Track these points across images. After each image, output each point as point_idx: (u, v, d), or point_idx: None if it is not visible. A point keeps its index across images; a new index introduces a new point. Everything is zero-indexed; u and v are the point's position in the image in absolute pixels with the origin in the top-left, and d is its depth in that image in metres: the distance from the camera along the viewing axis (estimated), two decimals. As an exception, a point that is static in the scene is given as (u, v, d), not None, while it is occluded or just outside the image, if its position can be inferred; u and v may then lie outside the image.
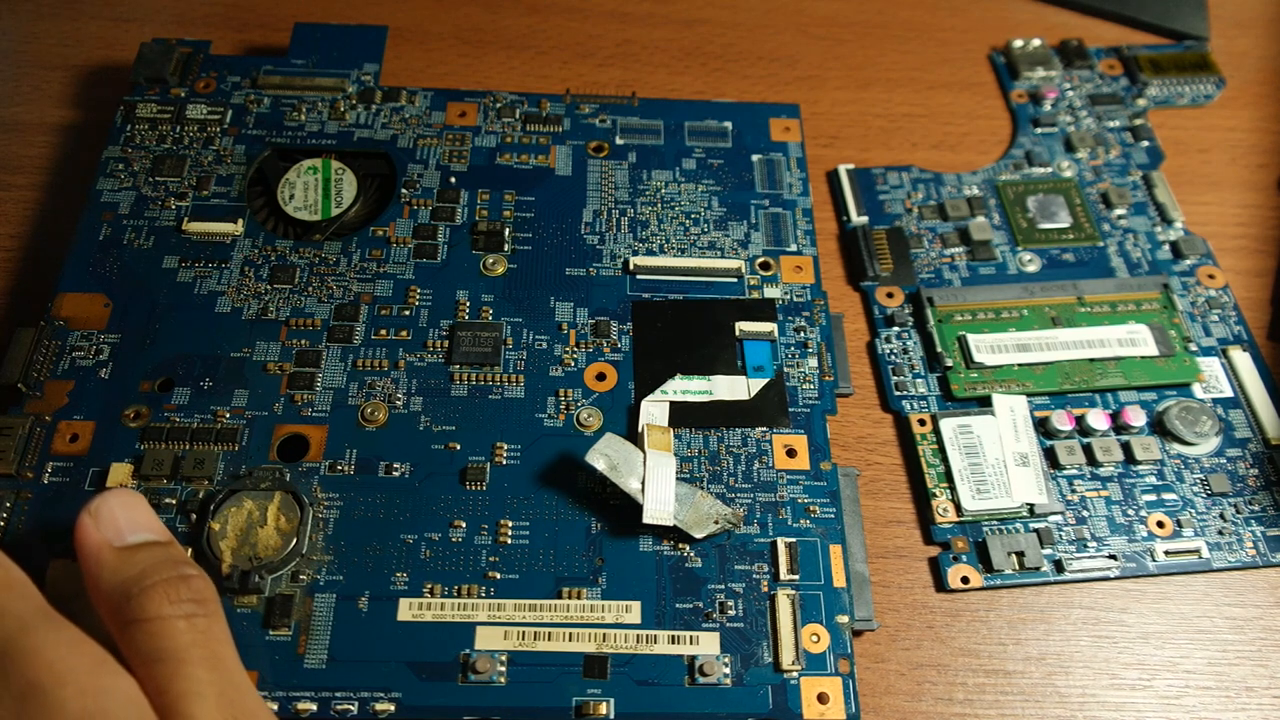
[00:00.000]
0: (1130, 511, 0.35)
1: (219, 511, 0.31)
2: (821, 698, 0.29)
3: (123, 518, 0.26)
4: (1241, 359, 0.38)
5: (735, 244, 0.39)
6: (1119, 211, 0.42)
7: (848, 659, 0.30)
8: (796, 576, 0.31)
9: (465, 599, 0.30)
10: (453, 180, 0.39)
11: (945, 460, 0.35)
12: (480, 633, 0.30)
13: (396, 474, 0.33)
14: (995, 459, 0.35)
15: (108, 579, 0.25)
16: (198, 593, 0.25)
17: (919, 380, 0.37)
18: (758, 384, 0.35)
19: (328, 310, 0.36)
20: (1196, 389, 0.37)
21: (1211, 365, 0.38)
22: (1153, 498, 0.35)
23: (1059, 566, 0.33)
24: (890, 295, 0.39)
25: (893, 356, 0.38)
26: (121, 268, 0.36)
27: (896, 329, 0.39)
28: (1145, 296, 0.39)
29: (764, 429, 0.34)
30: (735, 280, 0.38)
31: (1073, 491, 0.35)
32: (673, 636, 0.30)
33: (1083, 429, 0.36)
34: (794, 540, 0.32)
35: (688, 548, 0.32)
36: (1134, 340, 0.38)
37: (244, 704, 0.24)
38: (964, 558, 0.34)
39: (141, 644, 0.23)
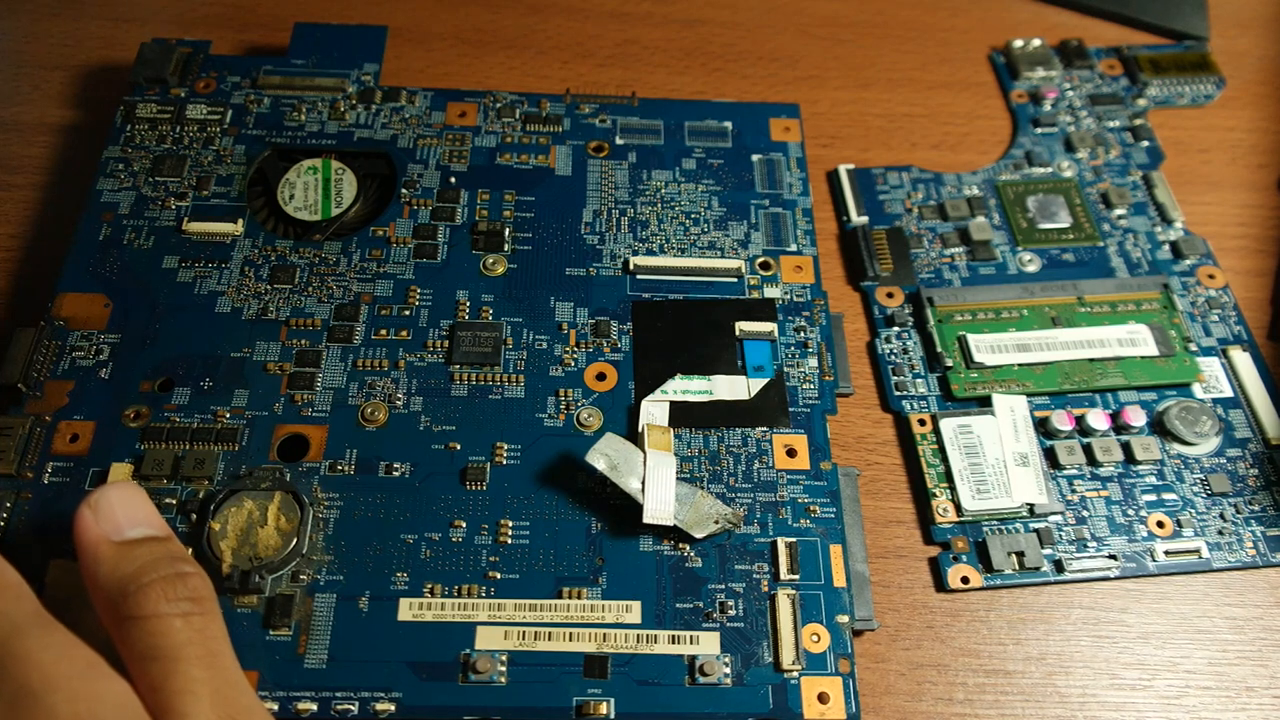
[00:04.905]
0: (1130, 511, 0.35)
1: (219, 511, 0.31)
2: (822, 697, 0.29)
3: (122, 512, 0.26)
4: (1241, 359, 0.38)
5: (735, 244, 0.39)
6: (1119, 211, 0.42)
7: (848, 659, 0.30)
8: (797, 576, 0.31)
9: (465, 599, 0.30)
10: (453, 180, 0.39)
11: (945, 460, 0.35)
12: (480, 633, 0.30)
13: (396, 474, 0.33)
14: (995, 459, 0.35)
15: (105, 574, 0.25)
16: (195, 591, 0.25)
17: (919, 380, 0.37)
18: (758, 384, 0.35)
19: (328, 310, 0.36)
20: (1196, 389, 0.37)
21: (1211, 365, 0.38)
22: (1153, 498, 0.35)
23: (1059, 566, 0.33)
24: (890, 295, 0.39)
25: (893, 356, 0.38)
26: (121, 268, 0.36)
27: (896, 329, 0.39)
28: (1145, 296, 0.39)
29: (764, 429, 0.34)
30: (735, 280, 0.38)
31: (1073, 491, 0.35)
32: (673, 636, 0.30)
33: (1083, 429, 0.36)
34: (794, 540, 0.32)
35: (688, 548, 0.32)
36: (1134, 340, 0.38)
37: (239, 702, 0.24)
38: (964, 558, 0.34)
39: (137, 641, 0.23)
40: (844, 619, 0.31)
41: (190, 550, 0.30)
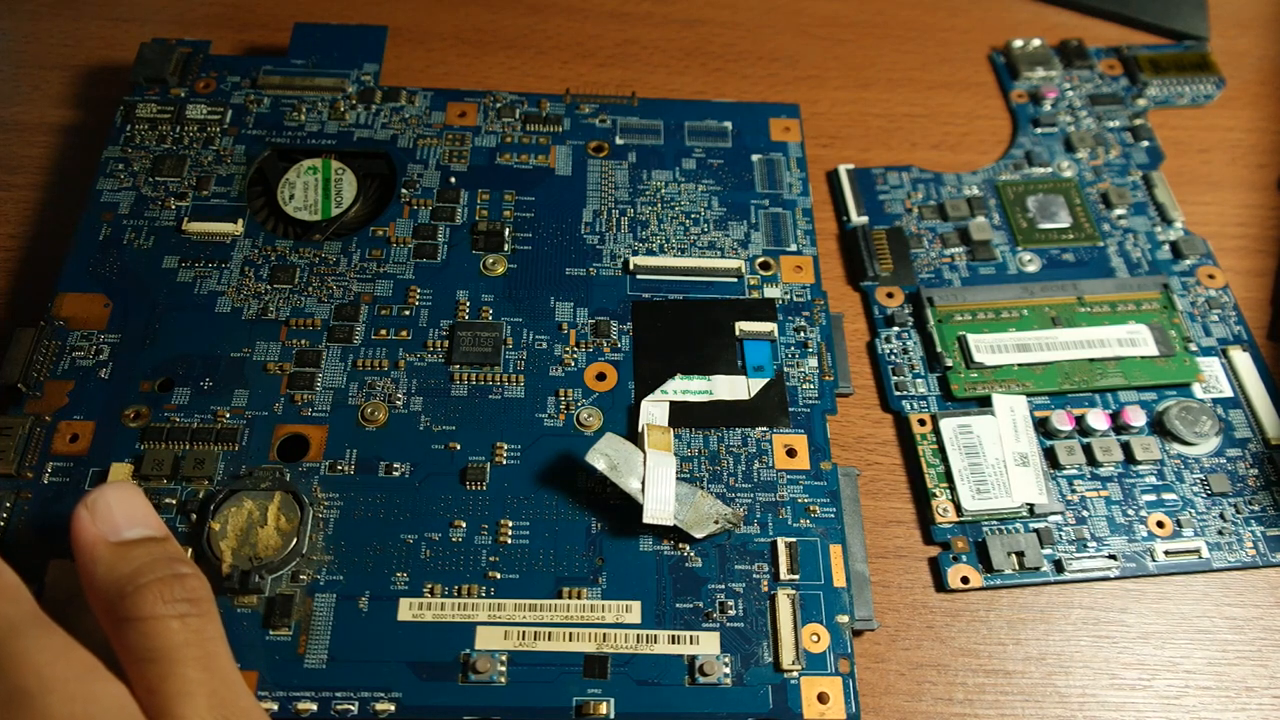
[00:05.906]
0: (1130, 511, 0.35)
1: (219, 511, 0.31)
2: (821, 697, 0.29)
3: (119, 512, 0.26)
4: (1241, 359, 0.38)
5: (735, 244, 0.39)
6: (1119, 211, 0.42)
7: (848, 659, 0.30)
8: (796, 576, 0.31)
9: (465, 599, 0.30)
10: (453, 180, 0.39)
11: (945, 460, 0.35)
12: (480, 632, 0.30)
13: (396, 474, 0.33)
14: (995, 459, 0.35)
15: (102, 575, 0.24)
16: (192, 592, 0.25)
17: (919, 380, 0.37)
18: (758, 384, 0.35)
19: (328, 310, 0.36)
20: (1196, 389, 0.37)
21: (1211, 365, 0.38)
22: (1153, 498, 0.35)
23: (1059, 566, 0.33)
24: (890, 295, 0.39)
25: (893, 356, 0.38)
26: (121, 268, 0.36)
27: (896, 329, 0.39)
28: (1145, 296, 0.39)
29: (764, 429, 0.34)
30: (735, 280, 0.38)
31: (1073, 491, 0.35)
32: (673, 636, 0.30)
33: (1083, 429, 0.36)
34: (794, 540, 0.32)
35: (688, 548, 0.32)
36: (1134, 340, 0.38)
37: (236, 704, 0.24)
38: (964, 558, 0.34)
39: (134, 643, 0.23)
40: (844, 619, 0.31)
41: (190, 550, 0.30)
